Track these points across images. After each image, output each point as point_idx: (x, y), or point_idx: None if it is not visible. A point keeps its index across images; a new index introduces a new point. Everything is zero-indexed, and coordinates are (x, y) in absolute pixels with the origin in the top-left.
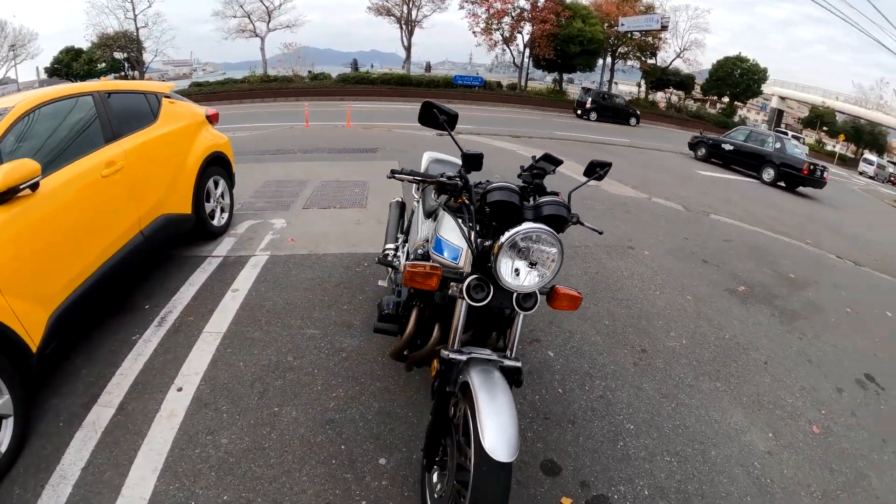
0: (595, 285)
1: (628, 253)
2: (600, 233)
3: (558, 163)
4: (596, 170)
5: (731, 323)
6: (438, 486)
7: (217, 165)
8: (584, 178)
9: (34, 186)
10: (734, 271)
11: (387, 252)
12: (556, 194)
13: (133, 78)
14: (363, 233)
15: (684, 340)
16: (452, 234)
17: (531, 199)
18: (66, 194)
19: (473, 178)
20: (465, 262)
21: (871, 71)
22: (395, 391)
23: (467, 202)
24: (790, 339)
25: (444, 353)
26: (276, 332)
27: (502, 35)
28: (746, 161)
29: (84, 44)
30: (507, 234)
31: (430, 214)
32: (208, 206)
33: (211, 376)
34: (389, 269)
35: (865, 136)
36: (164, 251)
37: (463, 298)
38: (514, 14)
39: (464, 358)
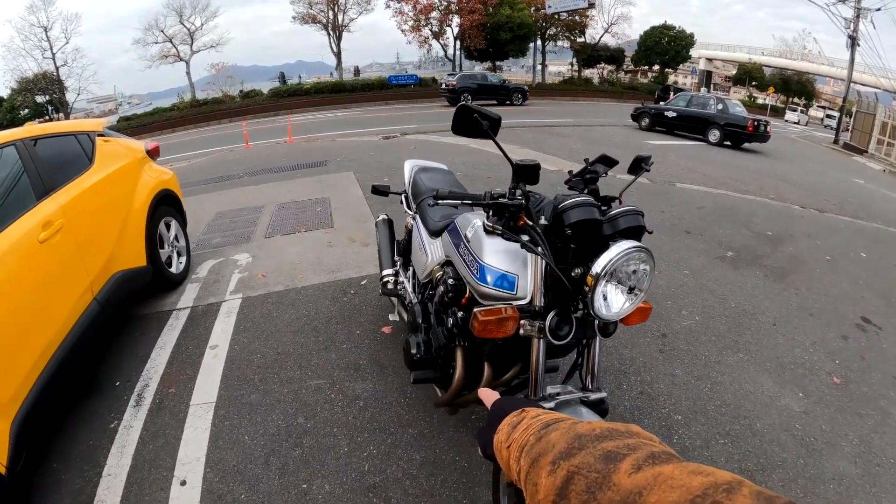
0: None
1: None
2: (650, 232)
3: (613, 163)
4: (641, 165)
5: (732, 290)
6: None
7: (166, 205)
8: (631, 177)
9: None
10: (717, 238)
11: (386, 280)
12: (617, 199)
13: (58, 121)
14: (338, 255)
15: (697, 317)
16: (500, 259)
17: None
18: (1, 271)
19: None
20: (529, 291)
21: (791, 23)
22: (431, 435)
23: (531, 223)
24: (788, 297)
25: None
26: (276, 391)
27: (431, 30)
28: (691, 125)
29: (4, 91)
30: (604, 262)
31: (436, 233)
32: (163, 253)
33: (215, 460)
34: (395, 300)
35: (794, 85)
36: (123, 311)
37: (542, 338)
38: (441, 8)
39: (552, 404)
